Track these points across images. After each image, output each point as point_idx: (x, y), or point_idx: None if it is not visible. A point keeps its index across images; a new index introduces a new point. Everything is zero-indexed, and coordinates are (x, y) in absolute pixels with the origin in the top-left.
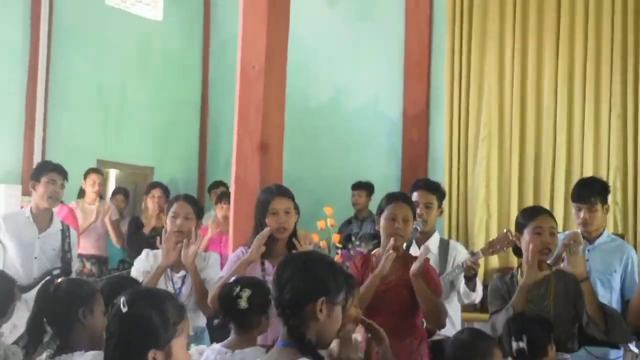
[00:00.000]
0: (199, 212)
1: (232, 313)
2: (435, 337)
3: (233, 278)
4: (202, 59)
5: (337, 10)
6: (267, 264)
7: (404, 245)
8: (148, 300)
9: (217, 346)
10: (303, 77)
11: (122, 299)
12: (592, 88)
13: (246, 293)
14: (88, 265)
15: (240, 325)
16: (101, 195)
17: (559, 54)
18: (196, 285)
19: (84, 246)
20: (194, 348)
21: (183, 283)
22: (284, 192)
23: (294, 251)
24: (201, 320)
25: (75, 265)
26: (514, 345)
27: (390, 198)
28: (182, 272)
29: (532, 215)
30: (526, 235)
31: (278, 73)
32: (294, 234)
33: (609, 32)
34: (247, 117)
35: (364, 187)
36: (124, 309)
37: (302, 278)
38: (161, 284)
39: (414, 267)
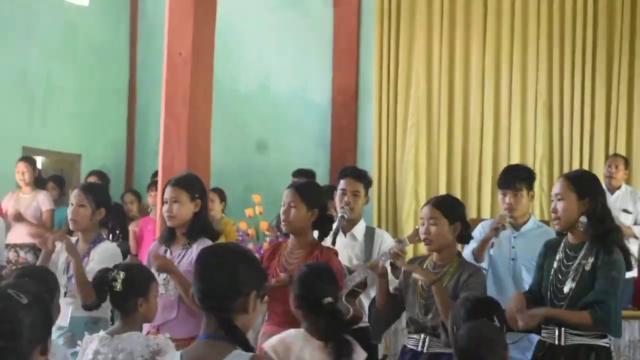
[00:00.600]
0: (98, 201)
1: (110, 296)
2: (361, 325)
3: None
4: (129, 45)
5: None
6: (169, 252)
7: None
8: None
9: (102, 333)
10: (231, 64)
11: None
12: (519, 77)
13: (121, 276)
14: (22, 254)
15: (121, 309)
16: (41, 183)
17: (486, 43)
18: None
19: (18, 235)
20: (86, 336)
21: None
22: (175, 182)
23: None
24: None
25: (4, 255)
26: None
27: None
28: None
29: (422, 207)
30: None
31: (205, 60)
32: (196, 223)
33: (535, 22)
34: (174, 105)
35: (305, 174)
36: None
37: (232, 272)
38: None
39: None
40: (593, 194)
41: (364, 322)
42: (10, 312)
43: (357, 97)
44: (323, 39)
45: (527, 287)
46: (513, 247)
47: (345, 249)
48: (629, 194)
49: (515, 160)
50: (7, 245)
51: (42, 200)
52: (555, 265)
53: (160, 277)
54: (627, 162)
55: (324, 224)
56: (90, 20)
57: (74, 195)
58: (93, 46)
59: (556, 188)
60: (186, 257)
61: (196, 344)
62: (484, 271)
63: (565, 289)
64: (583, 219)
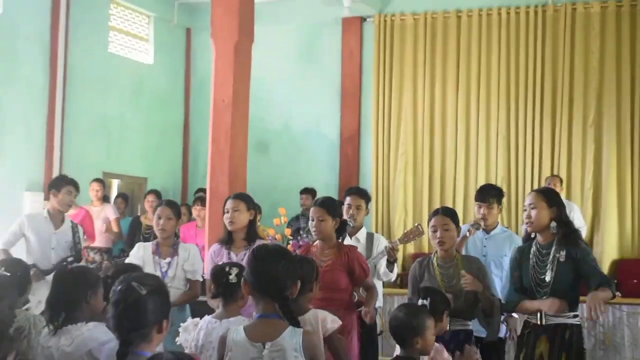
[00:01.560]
0: (178, 213)
1: (224, 286)
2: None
3: (222, 262)
4: (184, 94)
5: (290, 55)
6: (232, 253)
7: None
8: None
9: (208, 318)
10: (262, 108)
11: (135, 284)
12: (484, 117)
13: (235, 270)
14: (92, 254)
15: (228, 297)
16: (107, 199)
17: (458, 92)
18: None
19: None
20: (189, 320)
21: (168, 267)
22: (235, 195)
23: (253, 243)
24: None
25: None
26: (419, 301)
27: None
28: (168, 259)
29: (431, 216)
30: (429, 230)
31: (243, 105)
32: (251, 229)
33: (496, 76)
34: (219, 141)
35: (310, 192)
36: (142, 292)
37: (285, 265)
38: (150, 268)
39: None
40: (558, 204)
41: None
42: (136, 300)
43: (360, 132)
44: (333, 87)
45: (493, 278)
46: (484, 246)
47: None
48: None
49: (482, 181)
50: None
51: (109, 212)
52: (531, 262)
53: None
54: (561, 180)
55: (341, 227)
56: (154, 74)
57: (162, 210)
58: (156, 94)
59: (529, 199)
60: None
61: (256, 322)
62: None
63: (547, 278)
64: (553, 223)
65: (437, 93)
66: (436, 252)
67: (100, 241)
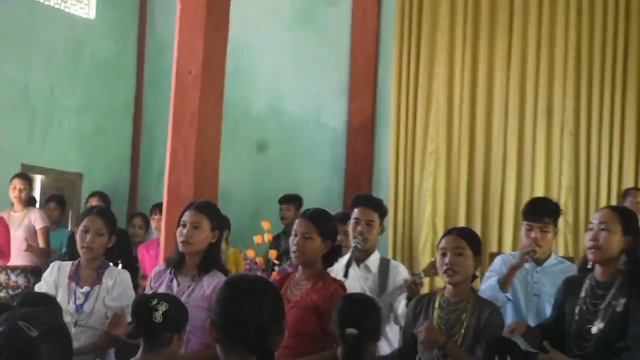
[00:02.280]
0: (112, 227)
1: (145, 326)
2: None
3: (150, 291)
4: (136, 61)
5: (280, 17)
6: (175, 281)
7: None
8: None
9: None
10: (242, 84)
11: (23, 324)
12: (544, 104)
13: (163, 307)
14: (13, 277)
15: (151, 341)
16: (33, 202)
17: (510, 67)
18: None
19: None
20: None
21: (86, 300)
22: (198, 207)
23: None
24: None
25: None
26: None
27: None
28: (86, 288)
29: (442, 236)
30: (438, 255)
31: (216, 79)
32: (209, 254)
33: (562, 45)
34: (182, 126)
35: (292, 201)
36: (33, 334)
37: (270, 305)
38: (63, 297)
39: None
40: (635, 232)
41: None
42: (24, 346)
43: (374, 121)
44: (339, 59)
45: None
46: (536, 282)
47: (359, 281)
48: None
49: (539, 191)
50: None
51: (36, 219)
52: (580, 304)
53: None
54: None
55: (331, 254)
56: (96, 34)
57: (91, 221)
58: (98, 62)
59: (601, 216)
60: (197, 290)
61: None
62: (509, 301)
63: (593, 330)
64: (624, 257)
65: (480, 70)
66: (444, 288)
67: (23, 258)
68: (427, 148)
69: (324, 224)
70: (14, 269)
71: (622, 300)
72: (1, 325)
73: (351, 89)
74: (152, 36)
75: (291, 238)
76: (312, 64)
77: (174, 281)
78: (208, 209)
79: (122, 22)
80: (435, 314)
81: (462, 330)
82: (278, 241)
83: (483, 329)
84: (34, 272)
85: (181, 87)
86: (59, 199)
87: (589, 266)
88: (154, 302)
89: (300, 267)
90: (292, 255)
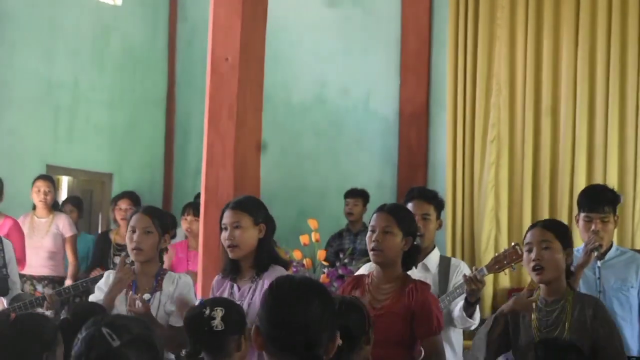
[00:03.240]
0: (163, 226)
1: (206, 338)
2: None
3: (199, 300)
4: (167, 49)
5: None
6: (235, 287)
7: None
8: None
9: None
10: (284, 70)
11: (106, 331)
12: (617, 83)
13: (220, 313)
14: (40, 287)
15: (216, 352)
16: (57, 206)
17: (578, 43)
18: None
19: (33, 265)
20: None
21: None
22: (235, 205)
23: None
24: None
25: (18, 285)
26: None
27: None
28: (147, 296)
29: (527, 230)
30: (524, 250)
31: (255, 66)
32: (262, 251)
33: (635, 19)
34: (219, 119)
35: (360, 195)
36: (114, 343)
37: (320, 309)
38: (121, 306)
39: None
40: None
41: None
42: (106, 355)
43: (428, 107)
44: (388, 41)
45: (620, 322)
46: (599, 278)
47: None
48: None
49: (613, 179)
50: (21, 277)
51: (64, 226)
52: None
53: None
54: None
55: (412, 254)
56: (124, 21)
57: (137, 220)
58: (126, 51)
59: None
60: (258, 290)
61: None
62: None
63: None
64: None
65: (545, 48)
66: (538, 287)
67: (50, 268)
68: (488, 135)
69: (404, 219)
70: (40, 279)
71: None
72: (85, 331)
73: (403, 73)
74: (184, 22)
75: (368, 234)
76: (359, 46)
77: (235, 287)
78: (246, 205)
79: (151, 8)
80: (533, 316)
81: (565, 332)
82: (340, 239)
83: (592, 327)
84: (61, 283)
85: (217, 76)
86: (75, 201)
87: None
88: (208, 312)
89: (377, 269)
90: (371, 253)
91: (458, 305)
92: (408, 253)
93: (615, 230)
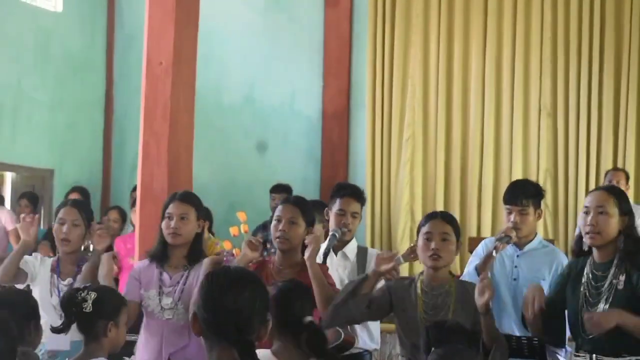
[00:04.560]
0: (88, 217)
1: (75, 318)
2: (354, 351)
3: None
4: (105, 53)
5: (251, 2)
6: (165, 274)
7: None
8: None
9: None
10: (214, 73)
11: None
12: (521, 86)
13: (92, 296)
14: None
15: (84, 331)
16: (1, 201)
17: (486, 48)
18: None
19: None
20: None
21: None
22: (183, 197)
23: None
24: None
25: None
26: None
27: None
28: (69, 280)
29: (426, 219)
30: (419, 239)
31: (187, 70)
32: (197, 245)
33: (538, 26)
34: (154, 118)
35: (285, 190)
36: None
37: (253, 297)
38: (45, 292)
39: None
40: (630, 211)
41: (357, 348)
42: None
43: (349, 107)
44: (312, 45)
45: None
46: (515, 266)
47: (337, 269)
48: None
49: (518, 174)
50: None
51: (6, 220)
52: (582, 289)
53: (167, 302)
54: (628, 176)
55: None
56: (64, 27)
57: (66, 213)
58: (67, 55)
59: (596, 200)
60: (190, 279)
61: None
62: None
63: (599, 311)
64: (622, 236)
65: (456, 53)
66: (422, 273)
67: None
68: (404, 134)
69: (308, 210)
70: None
71: (622, 278)
72: None
73: (325, 75)
74: (121, 28)
75: (273, 224)
76: (285, 50)
77: (164, 274)
78: (193, 199)
79: (90, 15)
80: (419, 300)
81: (450, 314)
82: (263, 230)
83: (475, 310)
84: None
85: (152, 78)
86: (30, 197)
87: (584, 248)
88: (81, 293)
89: (279, 254)
90: (276, 241)
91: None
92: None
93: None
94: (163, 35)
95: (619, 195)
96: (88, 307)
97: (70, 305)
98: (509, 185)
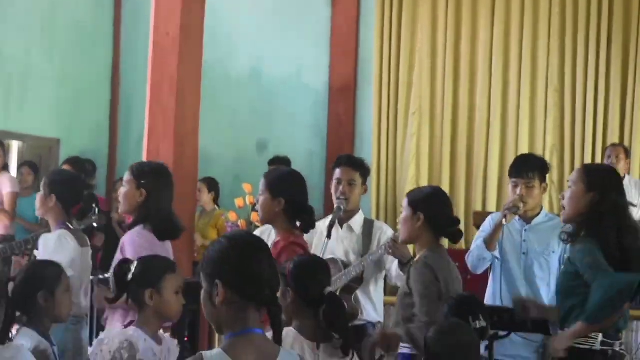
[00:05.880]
0: (53, 188)
1: (123, 286)
2: (357, 322)
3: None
4: (113, 24)
5: None
6: None
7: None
8: None
9: (132, 331)
10: (222, 46)
11: None
12: (529, 61)
13: (134, 266)
14: None
15: (131, 298)
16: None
17: (494, 24)
18: None
19: None
20: (95, 342)
21: None
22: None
23: None
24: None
25: None
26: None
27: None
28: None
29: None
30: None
31: (194, 42)
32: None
33: (546, 1)
34: (160, 90)
35: (283, 162)
36: None
37: (272, 259)
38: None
39: None
40: (601, 188)
41: (361, 320)
42: None
43: (356, 82)
44: (319, 19)
45: (538, 282)
46: (524, 240)
47: (343, 241)
48: (633, 186)
49: (524, 150)
50: None
51: (4, 183)
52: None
53: None
54: (627, 151)
55: (296, 214)
56: None
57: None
58: (74, 26)
59: (571, 175)
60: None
61: (236, 341)
62: (496, 259)
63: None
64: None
65: (464, 28)
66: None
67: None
68: (410, 108)
69: (272, 181)
70: None
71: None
72: None
73: (332, 49)
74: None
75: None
76: (293, 24)
77: None
78: (132, 170)
79: None
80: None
81: None
82: None
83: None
84: (9, 240)
85: (159, 50)
86: (31, 165)
87: None
88: (129, 264)
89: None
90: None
91: (394, 266)
92: (293, 214)
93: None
94: (170, 7)
95: (590, 171)
96: (130, 276)
97: (116, 276)
98: (515, 159)
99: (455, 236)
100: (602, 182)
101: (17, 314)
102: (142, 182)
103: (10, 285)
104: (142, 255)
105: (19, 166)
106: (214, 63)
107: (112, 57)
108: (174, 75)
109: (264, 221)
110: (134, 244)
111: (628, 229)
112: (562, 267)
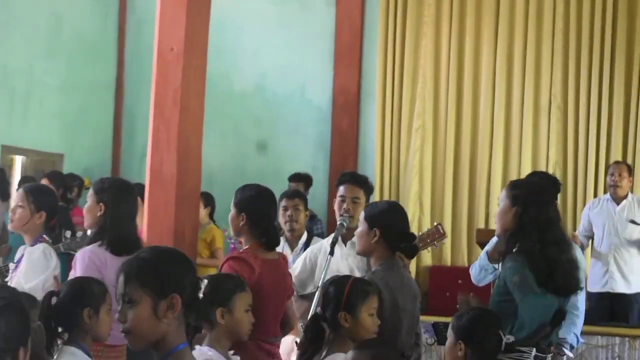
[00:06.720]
0: (39, 203)
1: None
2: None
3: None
4: (117, 38)
5: None
6: None
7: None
8: None
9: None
10: (226, 60)
11: None
12: (532, 77)
13: (204, 284)
14: None
15: (202, 318)
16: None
17: (497, 41)
18: None
19: None
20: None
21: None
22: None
23: None
24: None
25: None
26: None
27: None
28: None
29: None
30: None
31: (198, 56)
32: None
33: (550, 19)
34: (164, 104)
35: (303, 179)
36: None
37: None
38: None
39: None
40: (524, 204)
41: None
42: None
43: (359, 97)
44: (324, 35)
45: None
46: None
47: (347, 258)
48: (636, 204)
49: (527, 166)
50: None
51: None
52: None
53: None
54: (630, 169)
55: (260, 231)
56: (76, 11)
57: (16, 195)
58: (79, 40)
59: (501, 192)
60: None
61: (187, 352)
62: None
63: None
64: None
65: (467, 44)
66: None
67: None
68: (414, 124)
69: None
70: None
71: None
72: None
73: (336, 65)
74: (133, 13)
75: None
76: (297, 39)
77: None
78: (93, 185)
79: None
80: None
81: None
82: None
83: None
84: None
85: (163, 64)
86: (30, 181)
87: None
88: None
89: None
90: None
91: None
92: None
93: None
94: (175, 21)
95: (513, 187)
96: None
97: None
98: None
99: (410, 251)
100: (523, 196)
101: (59, 329)
102: (101, 196)
103: (54, 300)
104: (213, 275)
105: (19, 182)
106: (217, 78)
107: (116, 71)
108: (177, 89)
109: (234, 234)
110: (83, 261)
111: (551, 241)
112: (496, 282)
